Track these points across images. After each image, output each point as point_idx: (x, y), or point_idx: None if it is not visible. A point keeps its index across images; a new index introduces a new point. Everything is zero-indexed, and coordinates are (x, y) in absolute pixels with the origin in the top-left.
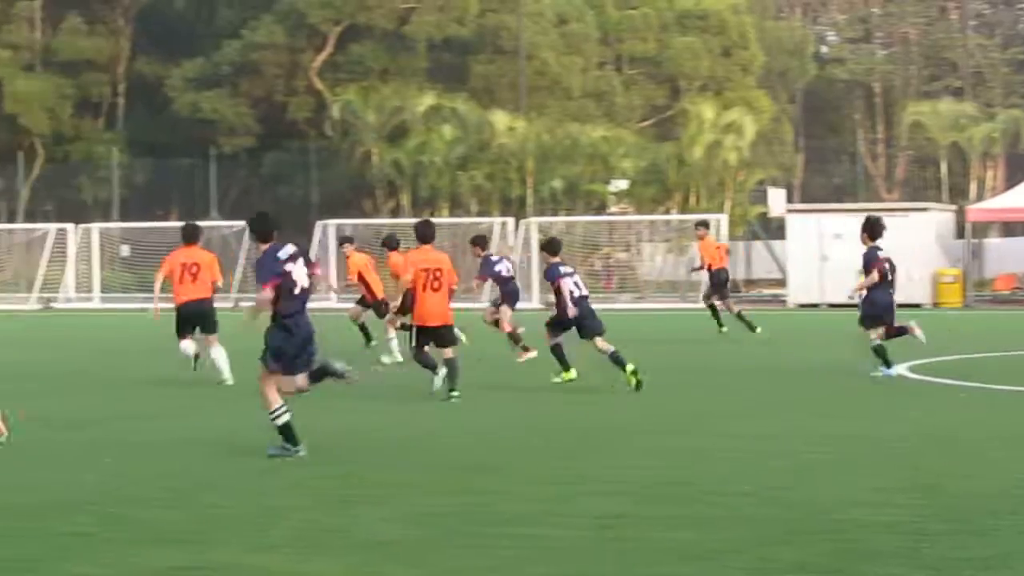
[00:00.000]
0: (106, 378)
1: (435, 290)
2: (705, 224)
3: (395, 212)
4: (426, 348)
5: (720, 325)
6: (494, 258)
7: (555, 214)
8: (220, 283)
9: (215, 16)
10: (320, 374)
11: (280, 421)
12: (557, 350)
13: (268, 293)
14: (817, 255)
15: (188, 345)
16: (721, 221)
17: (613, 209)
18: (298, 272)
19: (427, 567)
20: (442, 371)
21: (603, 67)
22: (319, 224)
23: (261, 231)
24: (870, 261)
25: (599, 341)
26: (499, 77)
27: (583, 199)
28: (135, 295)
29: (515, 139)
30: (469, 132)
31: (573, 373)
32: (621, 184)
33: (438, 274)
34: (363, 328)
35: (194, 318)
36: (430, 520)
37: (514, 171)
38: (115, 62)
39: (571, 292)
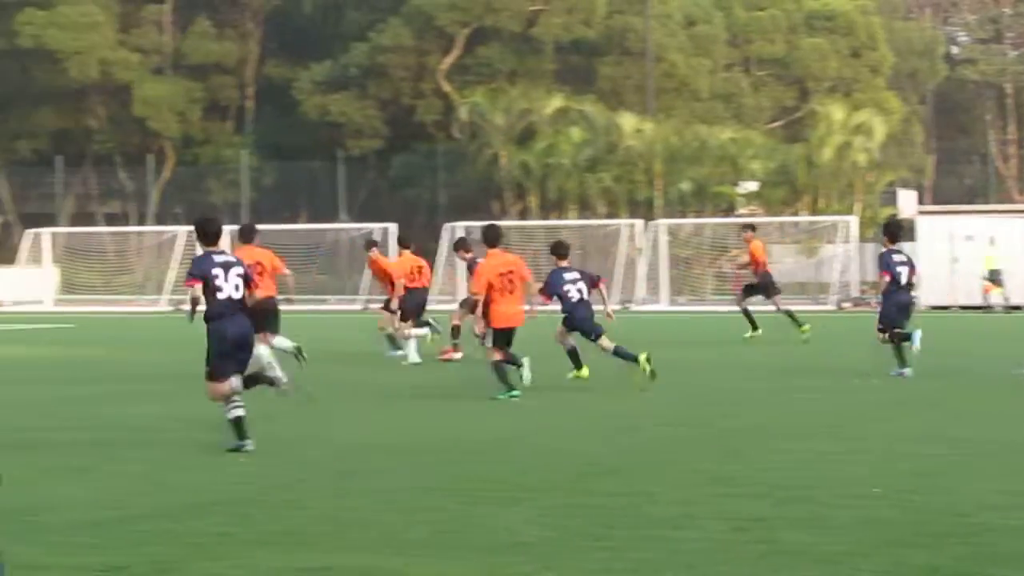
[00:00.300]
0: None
1: (511, 292)
2: (752, 227)
3: (523, 214)
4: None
5: (754, 328)
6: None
7: (683, 216)
8: (288, 273)
9: (343, 19)
10: (253, 381)
11: (231, 416)
12: (573, 354)
13: (194, 289)
14: (948, 257)
15: (280, 340)
16: (851, 223)
17: (742, 211)
18: (226, 279)
19: (563, 569)
20: (526, 360)
21: (731, 68)
22: (447, 226)
23: (206, 233)
24: (885, 263)
25: (603, 341)
26: (626, 79)
27: (711, 201)
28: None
29: (643, 141)
30: (597, 134)
31: (585, 371)
32: (750, 186)
33: (512, 276)
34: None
35: (260, 315)
36: (565, 522)
37: (642, 173)
38: (244, 65)
39: (571, 296)
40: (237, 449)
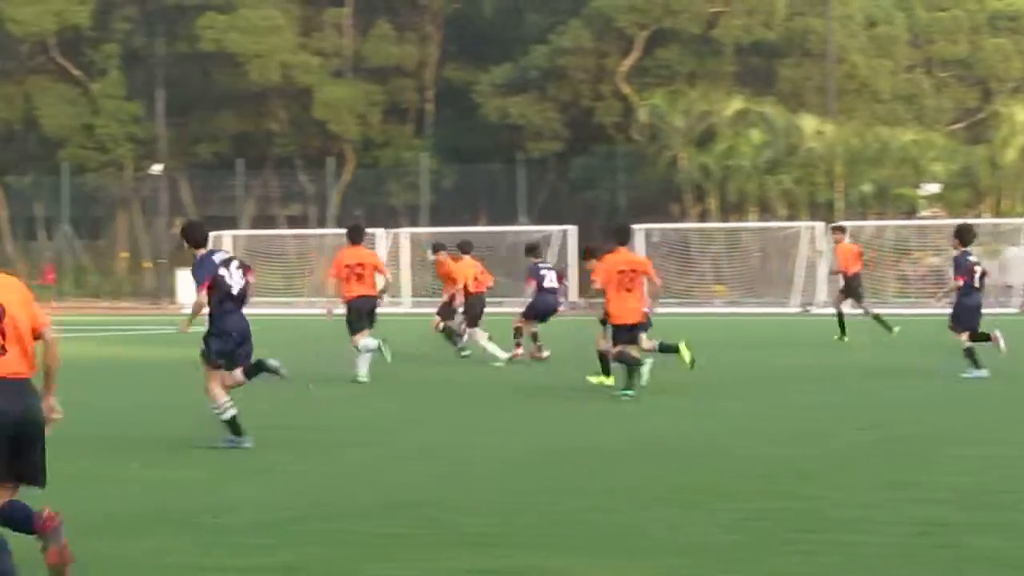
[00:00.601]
0: (422, 382)
1: (630, 290)
2: (842, 228)
3: (703, 216)
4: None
5: (843, 333)
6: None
7: (864, 218)
8: (389, 277)
9: (522, 21)
10: (256, 370)
11: (226, 416)
12: (604, 357)
13: (203, 295)
14: None
15: (369, 342)
16: None
17: (924, 213)
18: (231, 276)
19: (746, 572)
20: (649, 361)
21: (913, 70)
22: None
23: (194, 238)
24: (959, 266)
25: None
26: (807, 80)
27: (893, 203)
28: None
29: (824, 143)
30: (777, 136)
31: (611, 380)
32: (932, 188)
33: (634, 275)
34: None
35: (357, 313)
36: (748, 525)
37: (822, 175)
38: (424, 68)
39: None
40: (236, 446)
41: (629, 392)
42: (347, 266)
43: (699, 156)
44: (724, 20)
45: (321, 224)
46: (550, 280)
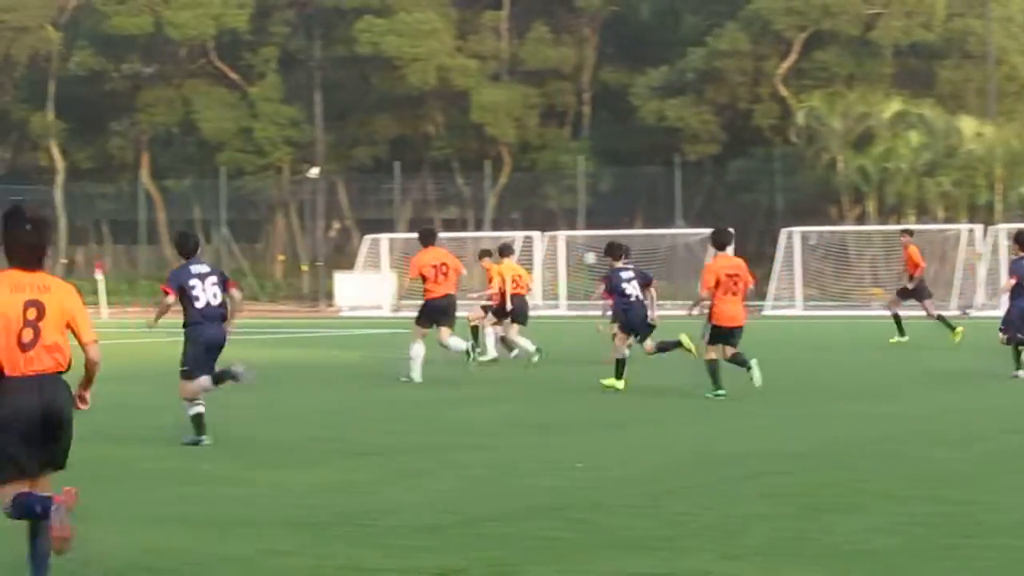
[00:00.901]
0: (581, 384)
1: (735, 294)
2: (909, 232)
3: (860, 219)
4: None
5: (901, 334)
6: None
7: None
8: (464, 273)
9: (680, 24)
10: (221, 377)
11: (191, 412)
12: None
13: (168, 298)
14: None
15: (456, 341)
16: None
17: None
18: (204, 290)
19: None
20: (754, 361)
21: None
22: (784, 231)
23: (182, 247)
24: (1013, 270)
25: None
26: (966, 82)
27: None
28: (598, 303)
29: (983, 145)
30: (936, 138)
31: (620, 384)
32: None
33: (738, 279)
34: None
35: (439, 311)
36: (906, 529)
37: (982, 177)
38: (580, 71)
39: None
40: (195, 443)
41: (721, 392)
42: (433, 266)
43: (857, 158)
44: (883, 22)
45: (477, 228)
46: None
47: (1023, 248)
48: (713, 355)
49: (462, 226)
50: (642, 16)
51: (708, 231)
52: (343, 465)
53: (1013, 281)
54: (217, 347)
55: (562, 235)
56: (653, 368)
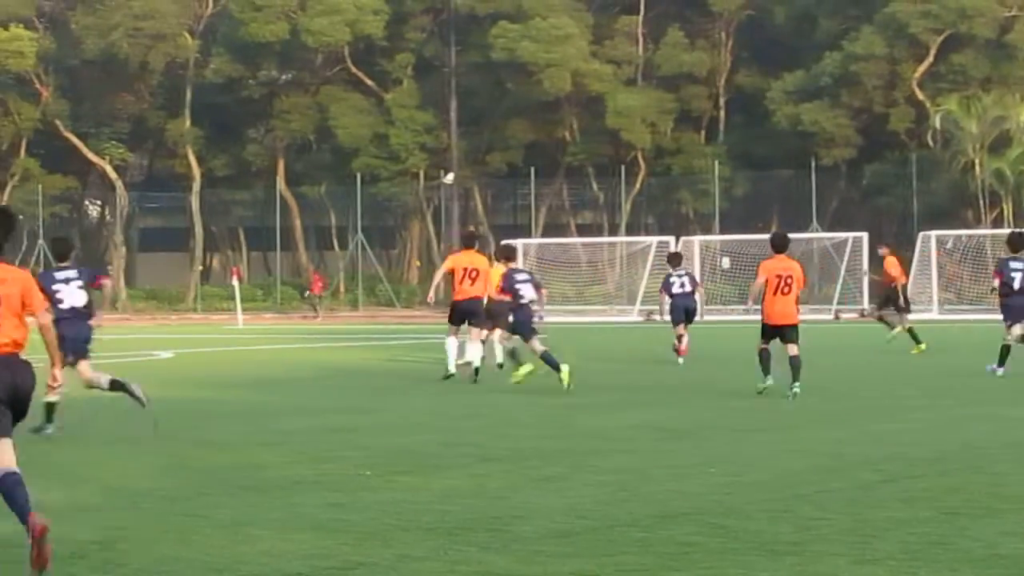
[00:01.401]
0: (714, 388)
1: (784, 294)
2: (888, 245)
3: (997, 222)
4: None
5: (918, 342)
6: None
7: None
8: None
9: (815, 28)
10: (120, 387)
11: (47, 398)
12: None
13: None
14: None
15: (474, 352)
16: None
17: None
18: (66, 293)
19: None
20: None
21: None
22: (921, 235)
23: (56, 253)
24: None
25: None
26: None
27: None
28: (735, 306)
29: None
30: None
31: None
32: None
33: (789, 280)
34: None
35: (470, 312)
36: None
37: None
38: (715, 75)
39: (520, 295)
40: (39, 431)
41: (796, 387)
42: (464, 268)
43: (993, 161)
44: (1019, 25)
45: (612, 232)
46: (680, 286)
47: (1015, 250)
48: (762, 345)
49: (597, 231)
50: (777, 20)
51: (845, 235)
52: (475, 470)
53: (998, 280)
54: (75, 341)
55: (696, 240)
56: (778, 375)
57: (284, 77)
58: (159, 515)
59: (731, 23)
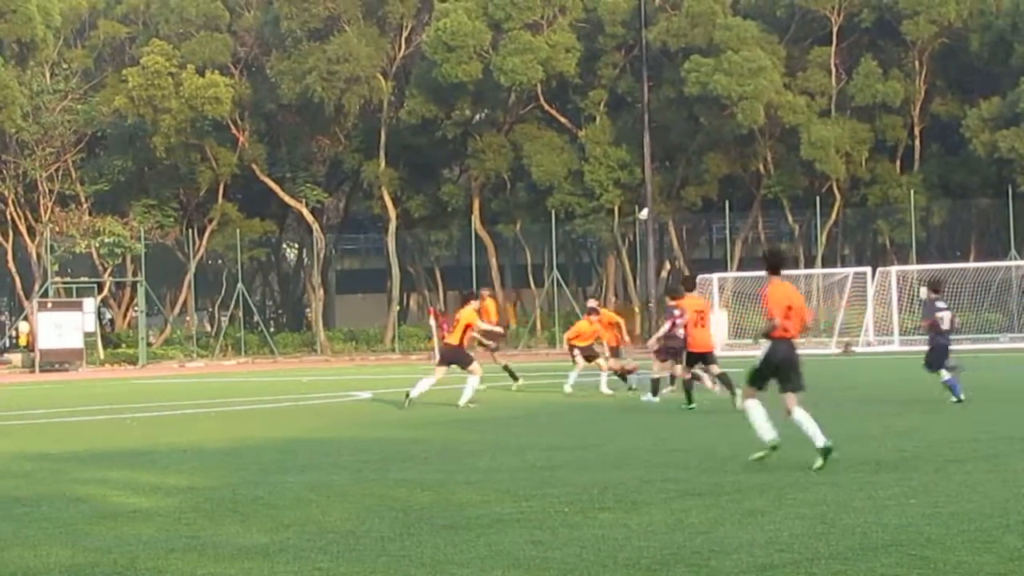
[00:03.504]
0: (902, 421)
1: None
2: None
3: None
4: None
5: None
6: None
7: None
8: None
9: (1011, 54)
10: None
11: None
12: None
13: None
14: None
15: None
16: None
17: None
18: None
19: None
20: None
21: None
22: None
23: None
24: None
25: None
26: None
27: None
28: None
29: None
30: None
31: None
32: None
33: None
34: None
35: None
36: None
37: None
38: (910, 104)
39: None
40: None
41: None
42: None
43: None
44: None
45: (809, 264)
46: (946, 323)
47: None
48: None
49: (794, 264)
50: (972, 47)
51: None
52: (675, 506)
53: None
54: None
55: (894, 270)
56: (992, 406)
57: (478, 116)
58: (362, 555)
59: (925, 51)
